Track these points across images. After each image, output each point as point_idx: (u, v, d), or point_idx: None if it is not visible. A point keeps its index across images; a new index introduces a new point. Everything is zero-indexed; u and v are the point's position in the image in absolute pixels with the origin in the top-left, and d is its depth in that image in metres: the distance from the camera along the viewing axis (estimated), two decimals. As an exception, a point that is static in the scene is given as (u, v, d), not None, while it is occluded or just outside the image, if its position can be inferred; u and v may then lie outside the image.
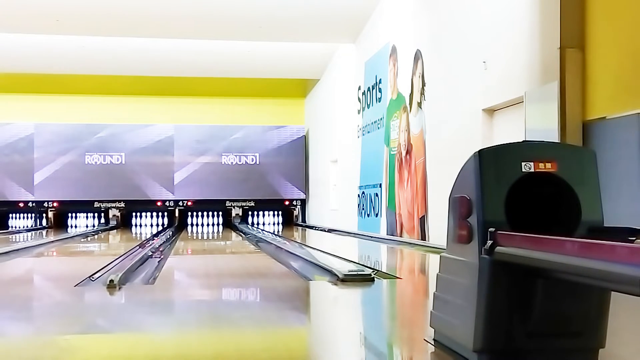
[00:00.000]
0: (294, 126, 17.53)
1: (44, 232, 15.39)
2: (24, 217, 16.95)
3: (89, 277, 5.40)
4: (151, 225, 16.98)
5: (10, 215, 16.87)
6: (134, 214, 17.19)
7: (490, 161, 2.49)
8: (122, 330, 3.71)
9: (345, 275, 5.07)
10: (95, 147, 16.87)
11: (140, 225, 17.09)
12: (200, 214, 17.30)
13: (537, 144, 2.70)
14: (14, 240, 12.73)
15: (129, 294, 4.93)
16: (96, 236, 13.83)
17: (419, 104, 9.74)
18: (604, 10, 5.68)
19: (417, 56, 9.76)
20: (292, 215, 17.49)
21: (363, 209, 12.78)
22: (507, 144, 2.68)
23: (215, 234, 15.18)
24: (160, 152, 16.99)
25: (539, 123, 6.14)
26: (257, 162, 17.27)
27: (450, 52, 8.64)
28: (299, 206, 17.40)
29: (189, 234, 14.70)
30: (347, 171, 13.88)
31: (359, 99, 13.42)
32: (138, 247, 9.17)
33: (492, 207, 2.44)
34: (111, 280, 4.90)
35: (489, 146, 2.63)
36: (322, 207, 16.17)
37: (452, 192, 2.72)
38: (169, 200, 17.01)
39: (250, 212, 17.29)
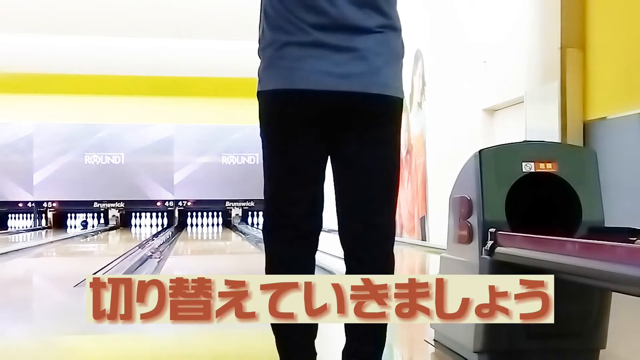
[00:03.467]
0: (293, 126, 17.51)
1: (44, 232, 15.38)
2: (23, 218, 16.94)
3: (89, 277, 5.39)
4: (151, 226, 16.97)
5: (10, 215, 16.85)
6: (133, 214, 17.18)
7: (491, 161, 2.49)
8: (122, 330, 3.70)
9: (345, 275, 5.06)
10: (95, 147, 16.85)
11: (140, 226, 17.08)
12: (200, 214, 17.29)
13: (537, 144, 2.69)
14: (13, 240, 12.72)
15: (128, 294, 4.91)
16: (96, 236, 13.82)
17: (419, 104, 9.74)
18: (604, 10, 5.67)
19: (417, 56, 9.75)
20: (292, 216, 17.46)
21: (363, 209, 12.75)
22: (507, 144, 2.67)
23: (215, 234, 15.17)
24: (160, 152, 16.97)
25: (540, 123, 6.14)
26: (257, 162, 17.24)
27: (450, 52, 8.63)
28: (299, 206, 17.38)
29: (189, 234, 14.69)
30: (347, 171, 13.85)
31: (358, 99, 13.38)
32: (137, 247, 9.17)
33: (492, 207, 2.43)
34: (111, 281, 4.89)
35: (489, 146, 2.63)
36: (322, 207, 16.15)
37: (452, 192, 2.72)
38: (169, 201, 16.99)
39: (250, 212, 17.27)
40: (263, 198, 2.07)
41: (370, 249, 2.01)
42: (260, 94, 1.99)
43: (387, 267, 2.01)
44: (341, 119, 1.95)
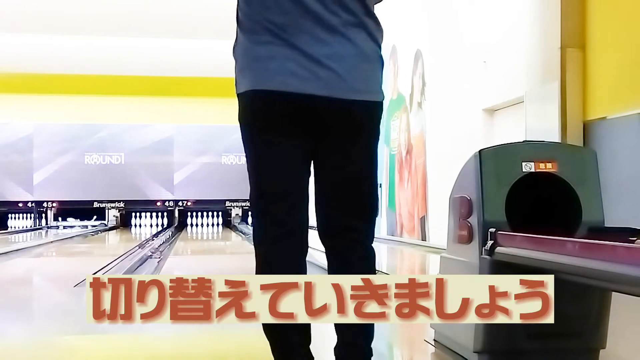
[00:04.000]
0: (293, 126, 17.52)
1: (43, 232, 15.38)
2: (23, 218, 16.93)
3: (89, 277, 5.39)
4: (151, 226, 16.97)
5: (10, 215, 16.85)
6: (133, 214, 17.18)
7: (491, 161, 2.49)
8: (122, 330, 3.70)
9: (345, 275, 5.05)
10: (95, 147, 16.85)
11: (140, 226, 17.08)
12: (200, 214, 17.29)
13: (537, 144, 2.69)
14: (13, 240, 12.72)
15: (128, 294, 4.91)
16: (96, 236, 13.82)
17: (419, 104, 9.73)
18: (604, 10, 5.67)
19: (417, 56, 9.75)
20: (292, 216, 17.47)
21: (363, 209, 12.74)
22: (507, 144, 2.67)
23: (215, 234, 15.18)
24: (160, 152, 16.98)
25: (540, 123, 6.14)
26: (257, 162, 17.24)
27: (450, 52, 8.63)
28: (299, 206, 17.39)
29: (189, 234, 14.69)
30: (347, 171, 13.84)
31: (358, 99, 13.37)
32: (137, 247, 9.17)
33: (492, 207, 2.43)
34: (111, 281, 4.89)
35: (489, 146, 2.63)
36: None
37: (452, 192, 2.72)
38: (169, 201, 16.99)
39: (250, 212, 17.26)
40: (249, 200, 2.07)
41: (352, 249, 2.02)
42: (238, 97, 2.01)
43: (371, 264, 2.04)
44: (312, 122, 1.94)
